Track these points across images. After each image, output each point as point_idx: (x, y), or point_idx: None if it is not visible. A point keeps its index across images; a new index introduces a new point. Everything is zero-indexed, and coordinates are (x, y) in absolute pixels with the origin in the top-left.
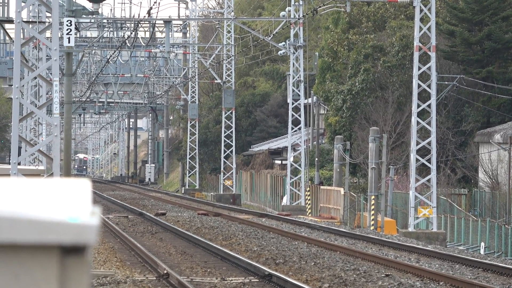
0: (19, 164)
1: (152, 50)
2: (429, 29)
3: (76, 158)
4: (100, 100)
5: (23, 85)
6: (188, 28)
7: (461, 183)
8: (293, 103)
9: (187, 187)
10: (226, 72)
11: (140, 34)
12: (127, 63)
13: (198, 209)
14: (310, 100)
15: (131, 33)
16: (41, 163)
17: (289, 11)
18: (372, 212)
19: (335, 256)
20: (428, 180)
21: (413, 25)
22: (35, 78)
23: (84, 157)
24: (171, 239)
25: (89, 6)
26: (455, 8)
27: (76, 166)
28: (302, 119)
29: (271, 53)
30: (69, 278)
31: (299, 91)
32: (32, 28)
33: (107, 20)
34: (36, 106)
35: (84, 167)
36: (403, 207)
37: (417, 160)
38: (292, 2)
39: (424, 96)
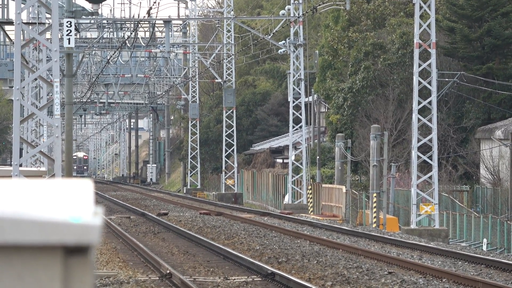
0: (20, 165)
1: (152, 50)
2: (429, 26)
3: (74, 157)
4: (101, 100)
5: (24, 87)
6: (188, 28)
7: (462, 179)
8: (293, 102)
9: (188, 187)
10: (226, 72)
11: (140, 34)
12: (128, 63)
13: (200, 208)
14: (310, 98)
15: (131, 33)
16: (43, 164)
17: (289, 9)
18: (374, 209)
19: (338, 254)
20: (430, 177)
21: (413, 22)
22: (36, 79)
23: (84, 156)
24: (174, 239)
25: (88, 7)
26: (455, 5)
27: (75, 167)
28: (303, 117)
29: (271, 51)
30: (72, 278)
31: (299, 89)
32: (32, 30)
33: (107, 21)
34: (37, 108)
35: (85, 167)
36: (405, 205)
37: (418, 157)
38: (292, 1)
39: (424, 93)
